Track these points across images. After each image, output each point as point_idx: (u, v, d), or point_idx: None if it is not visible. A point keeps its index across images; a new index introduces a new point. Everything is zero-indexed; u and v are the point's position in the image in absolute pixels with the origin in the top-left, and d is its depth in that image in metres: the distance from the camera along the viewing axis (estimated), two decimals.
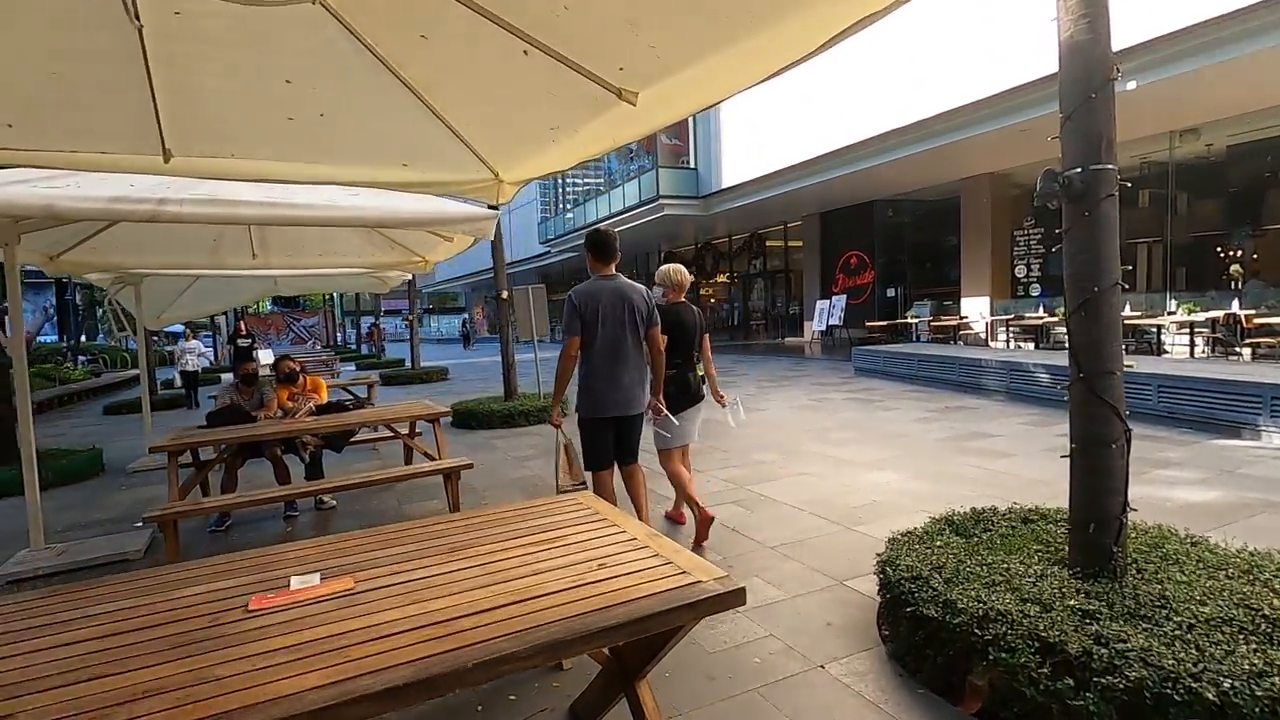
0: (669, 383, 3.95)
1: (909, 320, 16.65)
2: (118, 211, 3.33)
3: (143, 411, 7.54)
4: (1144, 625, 2.15)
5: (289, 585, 1.67)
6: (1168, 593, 2.33)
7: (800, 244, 22.39)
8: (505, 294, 9.25)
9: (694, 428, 4.21)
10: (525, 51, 2.30)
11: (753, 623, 2.99)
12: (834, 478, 5.35)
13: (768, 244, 24.53)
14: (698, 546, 3.91)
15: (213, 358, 22.38)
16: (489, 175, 3.59)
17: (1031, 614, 2.22)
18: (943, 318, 15.88)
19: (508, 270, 36.52)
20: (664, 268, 4.22)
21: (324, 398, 5.45)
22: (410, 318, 16.73)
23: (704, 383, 4.24)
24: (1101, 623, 2.16)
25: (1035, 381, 8.37)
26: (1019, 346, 13.92)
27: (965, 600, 2.35)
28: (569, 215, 27.97)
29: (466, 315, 47.55)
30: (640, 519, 3.65)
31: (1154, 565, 2.60)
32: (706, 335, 4.27)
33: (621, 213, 23.25)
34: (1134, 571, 2.55)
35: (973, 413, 7.95)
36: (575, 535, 2.00)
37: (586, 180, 29.38)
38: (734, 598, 1.50)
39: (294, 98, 2.73)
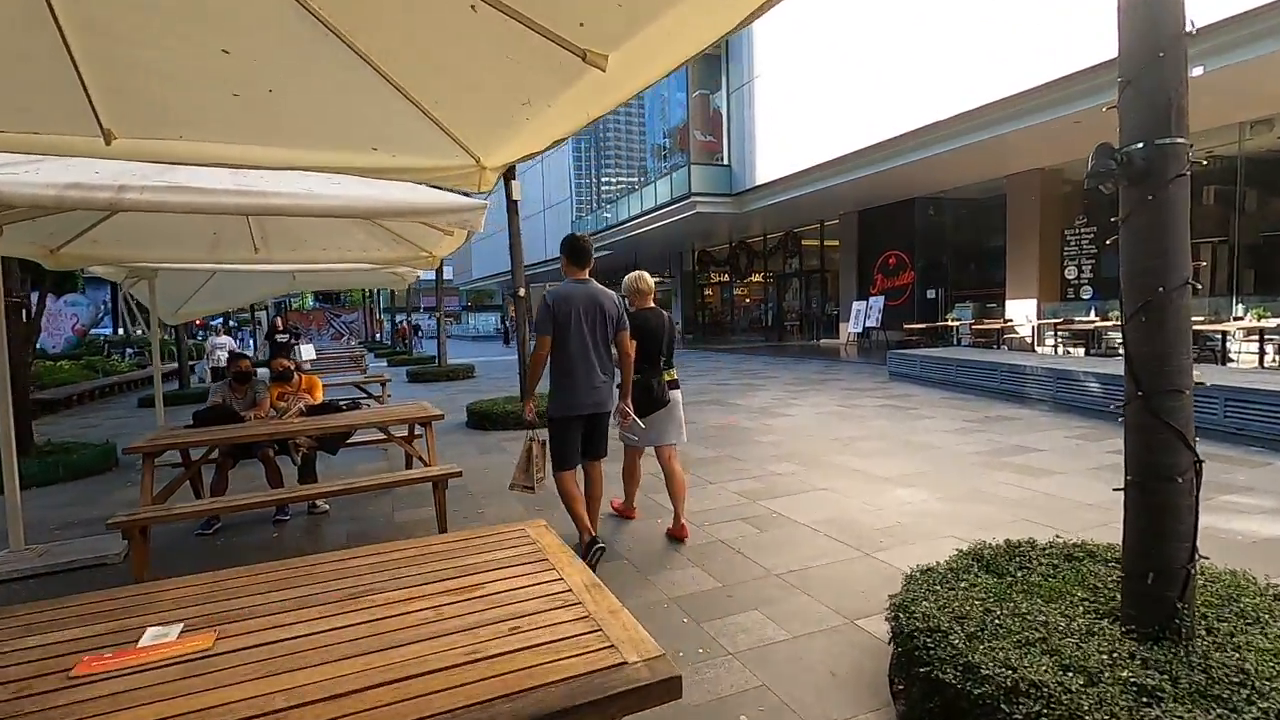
0: (634, 387, 4.02)
1: (949, 323, 15.93)
2: (74, 199, 3.11)
3: (156, 407, 7.48)
4: (1219, 711, 1.72)
5: (138, 640, 1.38)
6: (1248, 665, 1.88)
7: (837, 243, 21.72)
8: (522, 292, 8.98)
9: (666, 430, 4.24)
10: (473, 7, 1.97)
11: (746, 669, 2.61)
12: (857, 494, 4.92)
13: (803, 243, 23.89)
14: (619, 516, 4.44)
15: (251, 353, 22.76)
16: (469, 161, 3.28)
17: (1074, 688, 1.80)
18: (985, 321, 15.13)
19: (543, 269, 36.49)
20: (628, 276, 4.34)
21: (318, 398, 5.23)
22: (438, 314, 16.59)
23: (673, 387, 4.25)
24: (1164, 705, 1.73)
25: (1085, 391, 7.75)
26: (1067, 352, 13.14)
27: (991, 665, 1.94)
28: (605, 214, 27.69)
29: (503, 312, 47.33)
30: (591, 514, 3.89)
31: (1228, 625, 2.14)
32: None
33: (653, 210, 22.90)
34: (1203, 633, 2.10)
35: (1014, 423, 7.39)
36: (501, 582, 1.67)
37: (620, 179, 29.15)
38: (665, 690, 1.14)
39: (237, 72, 2.45)
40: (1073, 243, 13.89)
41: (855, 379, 11.99)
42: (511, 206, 9.10)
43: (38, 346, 24.65)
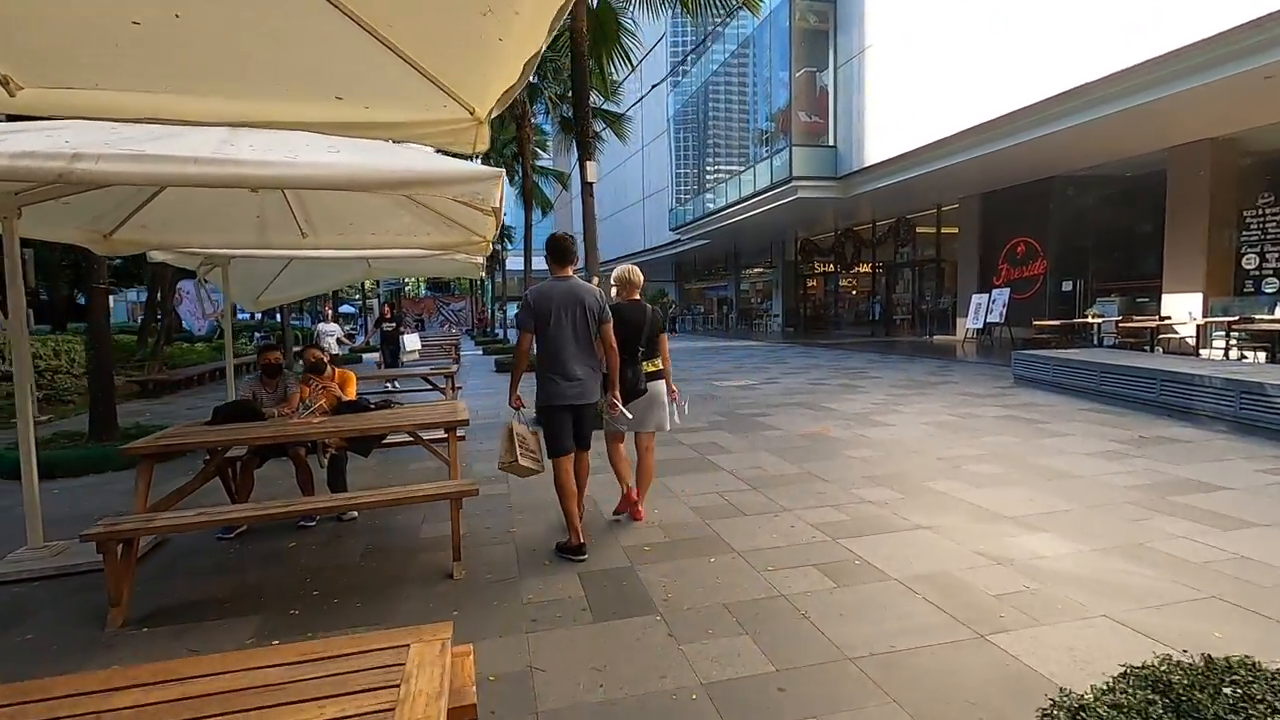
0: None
1: (1089, 320, 13.90)
2: (25, 169, 2.72)
3: (228, 395, 7.47)
4: None
5: None
6: None
7: (955, 230, 19.73)
8: (596, 281, 8.36)
9: (647, 418, 4.43)
10: None
11: None
12: (968, 538, 3.89)
13: (917, 230, 21.95)
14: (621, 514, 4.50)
15: (361, 340, 23.75)
16: (464, 114, 2.61)
17: None
18: (1135, 318, 13.04)
19: (642, 258, 36.13)
20: (617, 269, 4.53)
21: (350, 394, 4.81)
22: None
23: (654, 378, 4.40)
24: None
25: (1278, 408, 6.15)
26: (1243, 356, 11.00)
27: None
28: (708, 197, 26.76)
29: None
30: (578, 499, 4.04)
31: None
32: (664, 334, 4.51)
33: (752, 196, 21.77)
34: None
35: (1181, 448, 5.94)
36: None
37: (721, 167, 28.12)
38: None
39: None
40: (1254, 226, 11.62)
41: (972, 382, 10.53)
42: (586, 189, 8.48)
43: (185, 328, 26.97)
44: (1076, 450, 5.90)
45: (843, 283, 27.55)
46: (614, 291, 4.50)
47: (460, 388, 8.86)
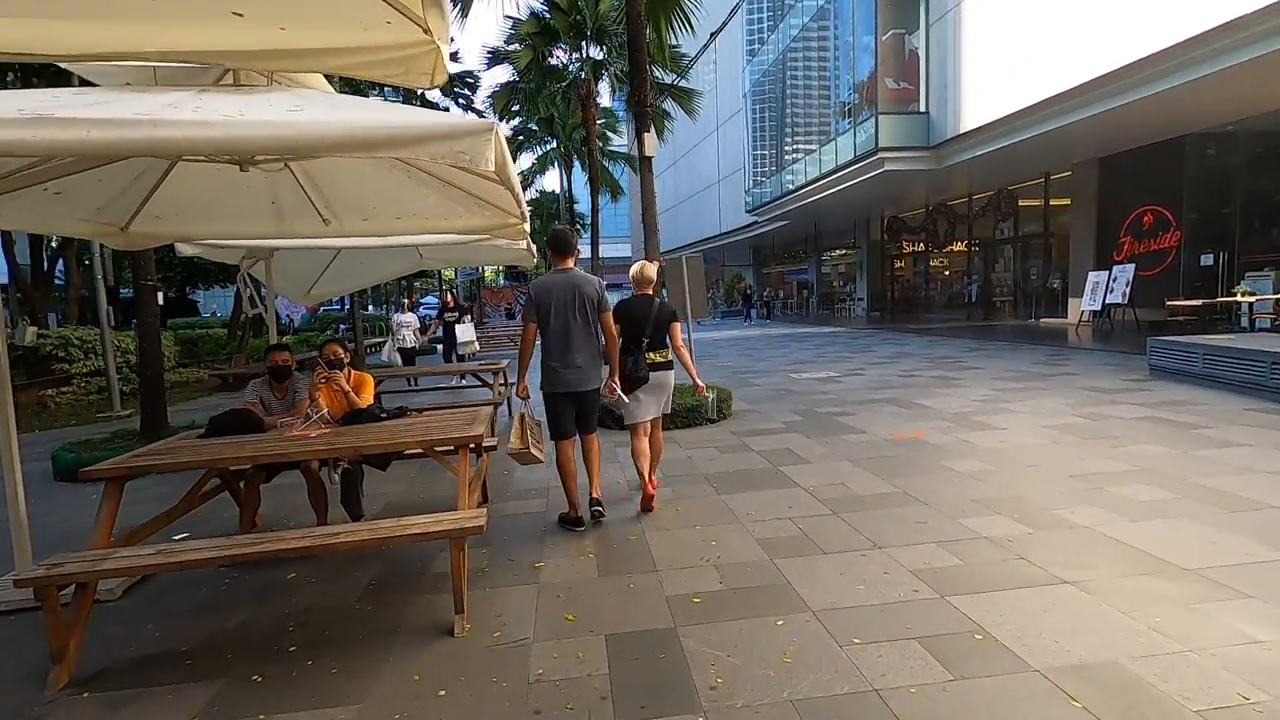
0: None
1: (1238, 298, 11.93)
2: None
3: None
4: None
5: None
6: None
7: (1067, 201, 17.67)
8: (655, 267, 7.55)
9: (651, 403, 4.53)
10: None
11: None
12: (1136, 603, 2.86)
13: (1020, 203, 19.88)
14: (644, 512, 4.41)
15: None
16: (416, 34, 1.87)
17: None
18: None
19: (717, 242, 35.03)
20: (634, 268, 4.69)
21: (365, 399, 4.22)
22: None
23: (661, 368, 4.52)
24: None
25: None
26: None
27: None
28: (786, 176, 25.37)
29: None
30: (591, 484, 4.28)
31: None
32: (677, 323, 4.63)
33: (834, 172, 20.32)
34: None
35: None
36: None
37: (800, 144, 26.59)
38: None
39: None
40: None
41: (1095, 374, 9.07)
42: (644, 163, 7.68)
43: (282, 321, 28.00)
44: (1258, 466, 4.63)
45: (934, 263, 25.53)
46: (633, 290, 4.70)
47: (513, 384, 8.20)
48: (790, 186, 24.50)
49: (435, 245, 7.32)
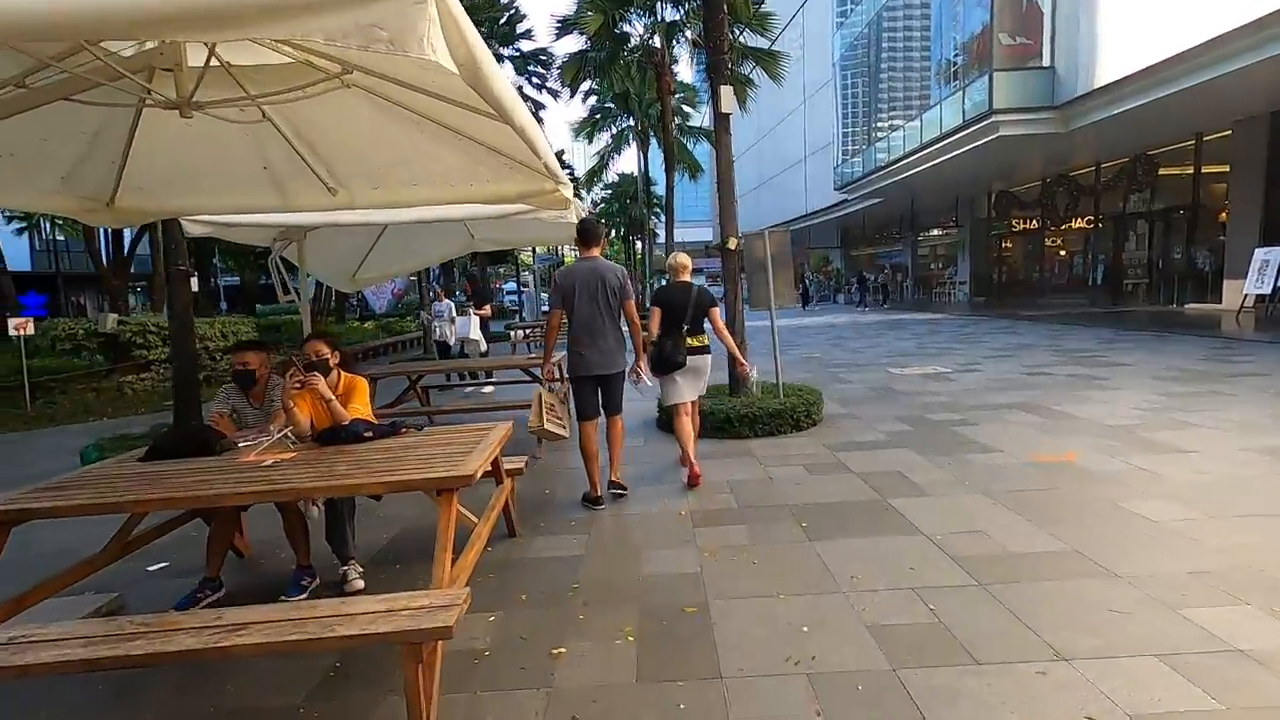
0: (653, 348, 4.53)
1: None
2: None
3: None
4: None
5: None
6: None
7: (1223, 167, 15.06)
8: (733, 243, 6.39)
9: (688, 388, 4.65)
10: None
11: None
12: None
13: (1160, 170, 17.24)
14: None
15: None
16: None
17: None
18: None
19: (802, 224, 33.27)
20: (670, 258, 4.96)
21: (358, 409, 3.30)
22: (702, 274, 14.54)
23: (697, 352, 4.64)
24: None
25: None
26: None
27: None
28: (880, 149, 23.35)
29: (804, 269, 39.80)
30: (612, 465, 4.42)
31: None
32: (715, 308, 4.76)
33: (937, 141, 18.30)
34: None
35: None
36: None
37: (895, 115, 24.46)
38: None
39: None
40: None
41: None
42: (721, 122, 6.50)
43: (370, 308, 28.35)
44: None
45: (1049, 241, 22.86)
46: (668, 276, 4.89)
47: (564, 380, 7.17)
48: (885, 160, 22.46)
49: (476, 220, 6.46)
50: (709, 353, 4.76)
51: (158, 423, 7.65)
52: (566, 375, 4.51)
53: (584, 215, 5.02)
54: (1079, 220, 20.92)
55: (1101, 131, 15.16)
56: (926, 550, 3.32)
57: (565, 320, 4.29)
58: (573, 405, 4.42)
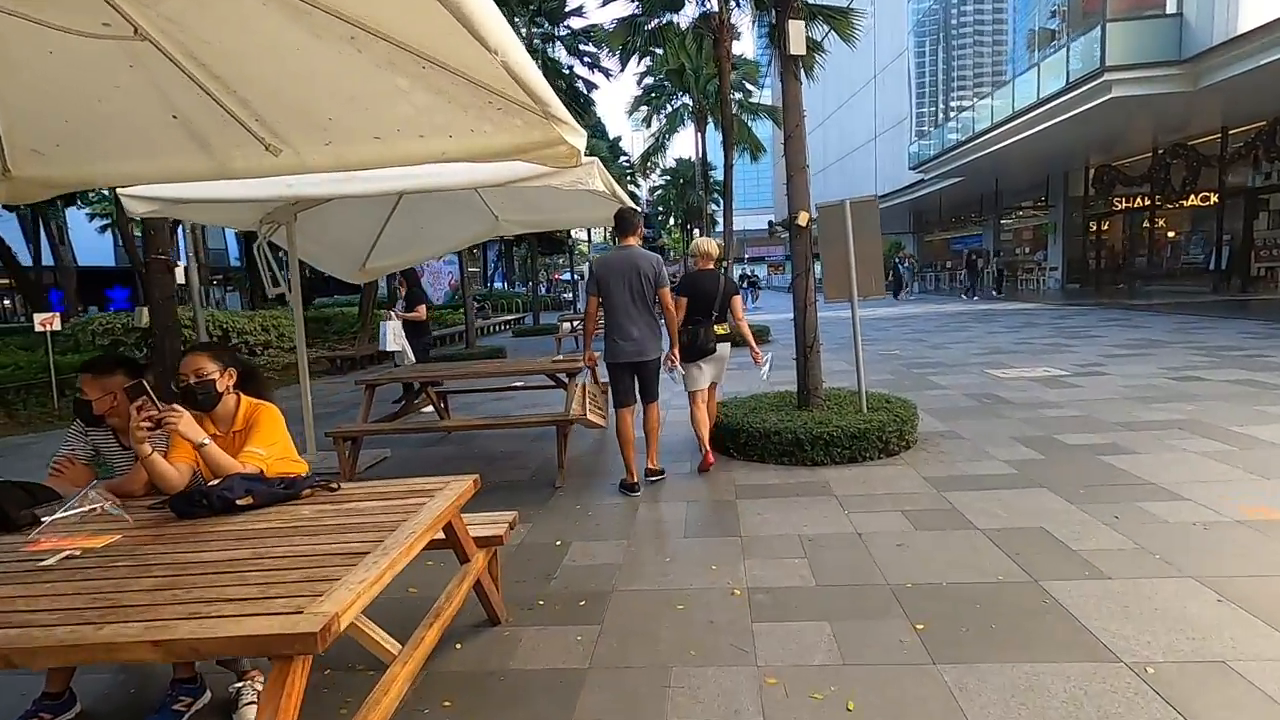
0: (683, 335, 4.51)
1: None
2: None
3: (301, 384, 5.61)
4: None
5: None
6: None
7: None
8: (804, 218, 5.10)
9: (710, 374, 4.69)
10: None
11: None
12: None
13: None
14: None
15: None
16: None
17: None
18: None
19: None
20: (695, 241, 4.96)
21: (256, 456, 2.24)
22: (731, 261, 13.14)
23: (724, 340, 4.66)
24: None
25: None
26: None
27: None
28: (956, 124, 21.27)
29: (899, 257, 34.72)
30: (649, 453, 4.49)
31: None
32: (738, 296, 4.82)
33: (1030, 110, 16.26)
34: None
35: None
36: None
37: (973, 86, 22.27)
38: None
39: None
40: None
41: None
42: (788, 65, 5.20)
43: (428, 300, 27.93)
44: None
45: (1158, 220, 20.28)
46: (690, 263, 4.98)
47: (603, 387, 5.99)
48: (968, 135, 20.38)
49: (487, 189, 5.40)
50: (731, 340, 4.79)
51: None
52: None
53: (625, 201, 4.75)
54: (1192, 199, 18.38)
55: (1237, 90, 12.93)
56: (1136, 699, 2.01)
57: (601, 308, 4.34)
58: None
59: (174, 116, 3.12)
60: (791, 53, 5.13)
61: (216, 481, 2.08)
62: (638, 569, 3.19)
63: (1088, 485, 3.87)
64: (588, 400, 4.42)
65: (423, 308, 8.17)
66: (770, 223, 39.08)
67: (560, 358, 5.62)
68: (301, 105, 3.10)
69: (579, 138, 2.81)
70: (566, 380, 5.17)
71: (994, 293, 23.29)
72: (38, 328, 9.80)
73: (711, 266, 4.72)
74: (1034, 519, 3.43)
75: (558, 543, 3.59)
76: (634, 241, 4.35)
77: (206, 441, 2.16)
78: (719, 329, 4.64)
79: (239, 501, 2.00)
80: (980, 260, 23.88)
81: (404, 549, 1.63)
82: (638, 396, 4.40)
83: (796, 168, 5.21)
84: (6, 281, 22.79)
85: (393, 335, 7.94)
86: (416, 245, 6.94)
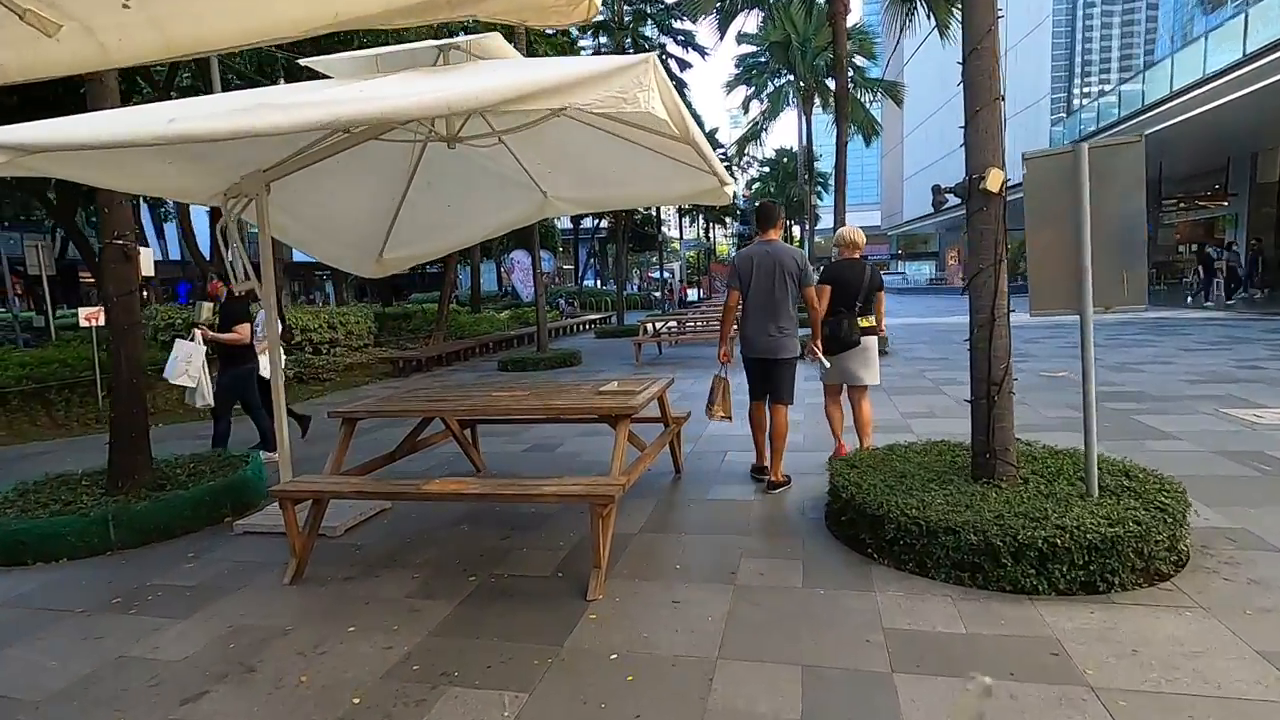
0: (825, 327, 4.41)
1: None
2: None
3: (273, 385, 4.21)
4: None
5: None
6: None
7: None
8: (995, 178, 3.18)
9: (855, 370, 4.52)
10: None
11: None
12: None
13: None
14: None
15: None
16: None
17: None
18: None
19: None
20: (840, 230, 4.77)
21: None
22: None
23: (866, 333, 4.50)
24: None
25: None
26: None
27: None
28: (1114, 97, 17.99)
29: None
30: (774, 463, 4.27)
31: None
32: (882, 292, 4.68)
33: (1219, 75, 13.15)
34: None
35: None
36: None
37: (1123, 61, 18.80)
38: None
39: None
40: None
41: None
42: None
43: (519, 297, 26.78)
44: None
45: None
46: (835, 253, 4.78)
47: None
48: (1133, 107, 17.13)
49: (510, 133, 3.83)
50: (875, 333, 4.60)
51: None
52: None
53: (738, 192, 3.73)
54: None
55: None
56: None
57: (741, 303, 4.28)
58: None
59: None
60: None
61: None
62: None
63: None
64: (721, 396, 4.32)
65: (245, 328, 5.61)
66: (936, 188, 35.31)
67: (617, 383, 3.89)
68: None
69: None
70: (614, 424, 3.47)
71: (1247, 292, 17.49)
72: (82, 323, 9.21)
73: (857, 256, 4.64)
74: None
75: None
76: (775, 235, 4.28)
77: None
78: (863, 321, 4.50)
79: None
80: (1214, 255, 17.74)
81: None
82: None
83: (984, 100, 3.29)
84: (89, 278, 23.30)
85: (184, 363, 5.52)
86: (445, 228, 5.44)
